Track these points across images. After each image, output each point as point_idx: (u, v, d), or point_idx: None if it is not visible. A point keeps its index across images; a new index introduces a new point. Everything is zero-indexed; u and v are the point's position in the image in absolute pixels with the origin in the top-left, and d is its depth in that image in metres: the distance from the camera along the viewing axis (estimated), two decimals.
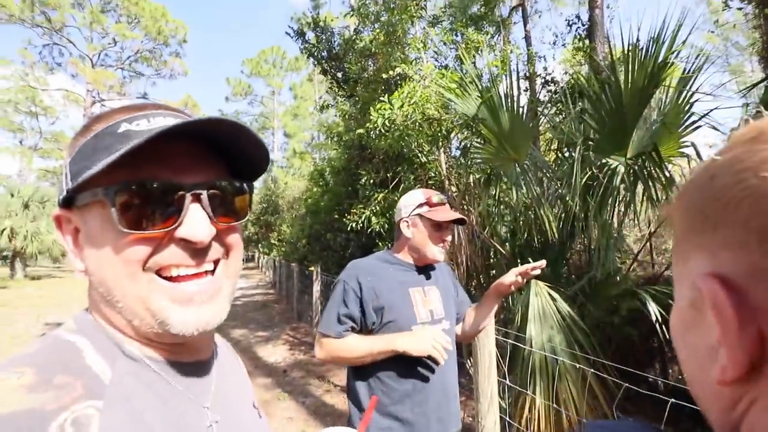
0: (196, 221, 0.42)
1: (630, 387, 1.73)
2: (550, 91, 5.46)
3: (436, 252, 1.43)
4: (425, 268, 1.49)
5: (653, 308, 2.71)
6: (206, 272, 0.45)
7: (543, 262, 1.40)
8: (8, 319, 8.63)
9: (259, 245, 26.08)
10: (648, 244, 4.33)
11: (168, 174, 0.42)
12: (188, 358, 0.47)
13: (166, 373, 0.44)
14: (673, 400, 1.57)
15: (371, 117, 3.69)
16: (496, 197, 4.04)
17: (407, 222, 1.45)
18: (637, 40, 3.05)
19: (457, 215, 1.44)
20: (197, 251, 0.43)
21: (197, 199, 0.43)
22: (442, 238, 1.44)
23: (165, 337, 0.43)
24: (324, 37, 6.85)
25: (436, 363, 1.29)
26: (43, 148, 43.09)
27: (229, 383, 0.52)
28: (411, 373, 1.34)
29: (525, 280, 1.42)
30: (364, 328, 1.38)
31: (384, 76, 4.22)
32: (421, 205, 1.43)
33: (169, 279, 0.42)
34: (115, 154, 0.37)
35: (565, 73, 5.96)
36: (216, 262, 0.46)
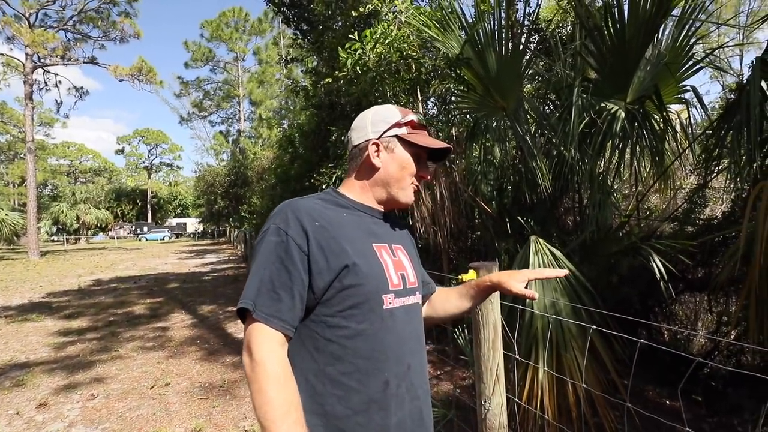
0: None
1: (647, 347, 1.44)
2: (536, 40, 5.02)
3: (410, 193, 1.00)
4: (388, 218, 1.04)
5: (658, 263, 2.46)
6: None
7: (564, 271, 1.01)
8: None
9: (230, 219, 25.13)
10: (636, 200, 4.11)
11: None
12: None
13: None
14: (700, 359, 1.29)
15: (340, 58, 3.17)
16: (481, 151, 3.66)
17: (378, 144, 0.97)
18: None
19: (445, 144, 1.02)
20: None
21: None
22: (422, 175, 1.02)
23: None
24: None
25: None
26: None
27: None
28: (383, 363, 0.86)
29: (530, 296, 0.98)
30: (306, 302, 0.86)
31: (354, 14, 3.66)
32: (399, 125, 0.98)
33: None
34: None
35: (551, 20, 5.50)
36: None
